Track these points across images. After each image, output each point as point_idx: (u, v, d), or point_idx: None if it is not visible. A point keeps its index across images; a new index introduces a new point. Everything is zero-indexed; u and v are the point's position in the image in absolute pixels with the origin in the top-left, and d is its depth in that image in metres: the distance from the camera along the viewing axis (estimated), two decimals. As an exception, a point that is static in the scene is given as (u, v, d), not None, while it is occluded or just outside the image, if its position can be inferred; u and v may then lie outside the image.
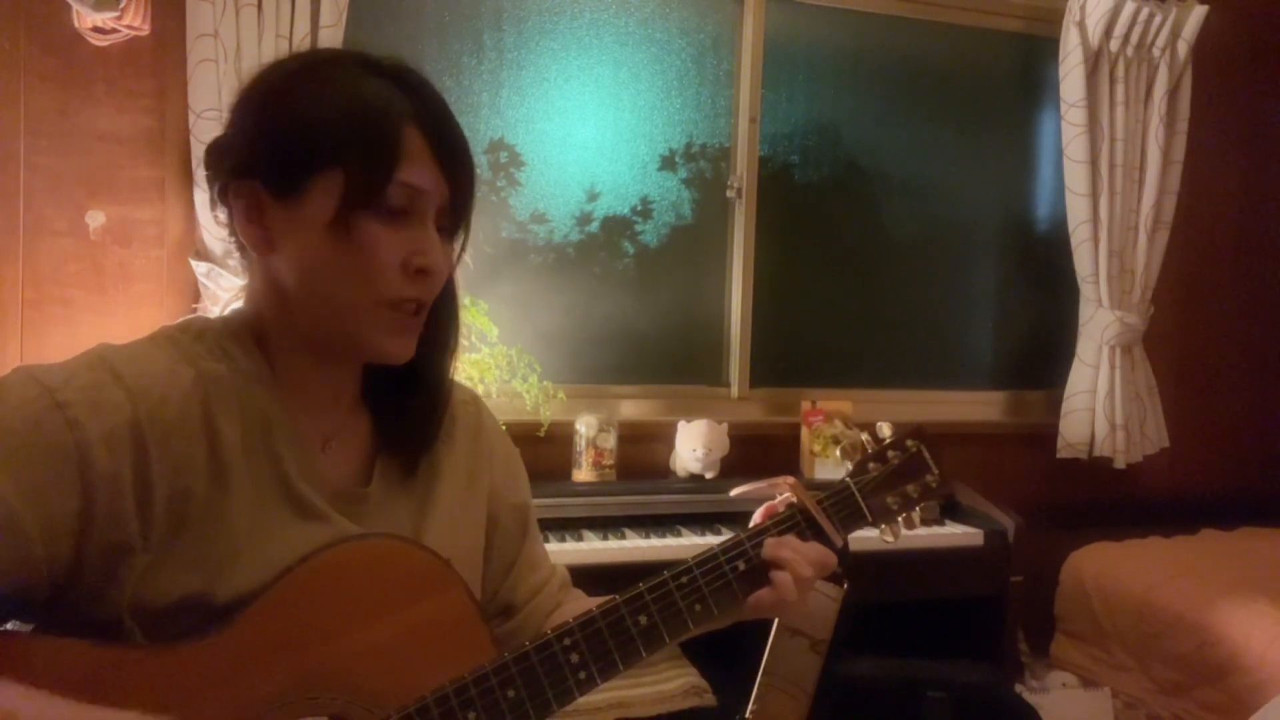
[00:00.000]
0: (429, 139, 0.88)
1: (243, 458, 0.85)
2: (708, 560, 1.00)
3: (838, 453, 1.13)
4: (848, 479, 1.11)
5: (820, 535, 1.06)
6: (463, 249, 0.97)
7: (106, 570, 0.79)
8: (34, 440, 0.76)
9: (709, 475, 2.51)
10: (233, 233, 0.92)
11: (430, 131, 0.88)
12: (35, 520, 0.75)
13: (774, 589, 1.00)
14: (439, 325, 0.97)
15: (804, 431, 2.67)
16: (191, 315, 0.95)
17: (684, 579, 0.98)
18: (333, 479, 0.92)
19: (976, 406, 3.08)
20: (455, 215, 0.93)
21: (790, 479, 1.08)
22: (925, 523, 1.15)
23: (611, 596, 0.96)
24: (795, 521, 1.05)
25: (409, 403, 0.97)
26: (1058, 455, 2.97)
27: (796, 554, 1.01)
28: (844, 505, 1.09)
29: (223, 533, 0.83)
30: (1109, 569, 2.71)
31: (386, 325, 0.90)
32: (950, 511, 2.51)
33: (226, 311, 0.96)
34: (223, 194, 0.90)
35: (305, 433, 0.91)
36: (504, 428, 1.14)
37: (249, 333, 0.91)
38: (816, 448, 2.62)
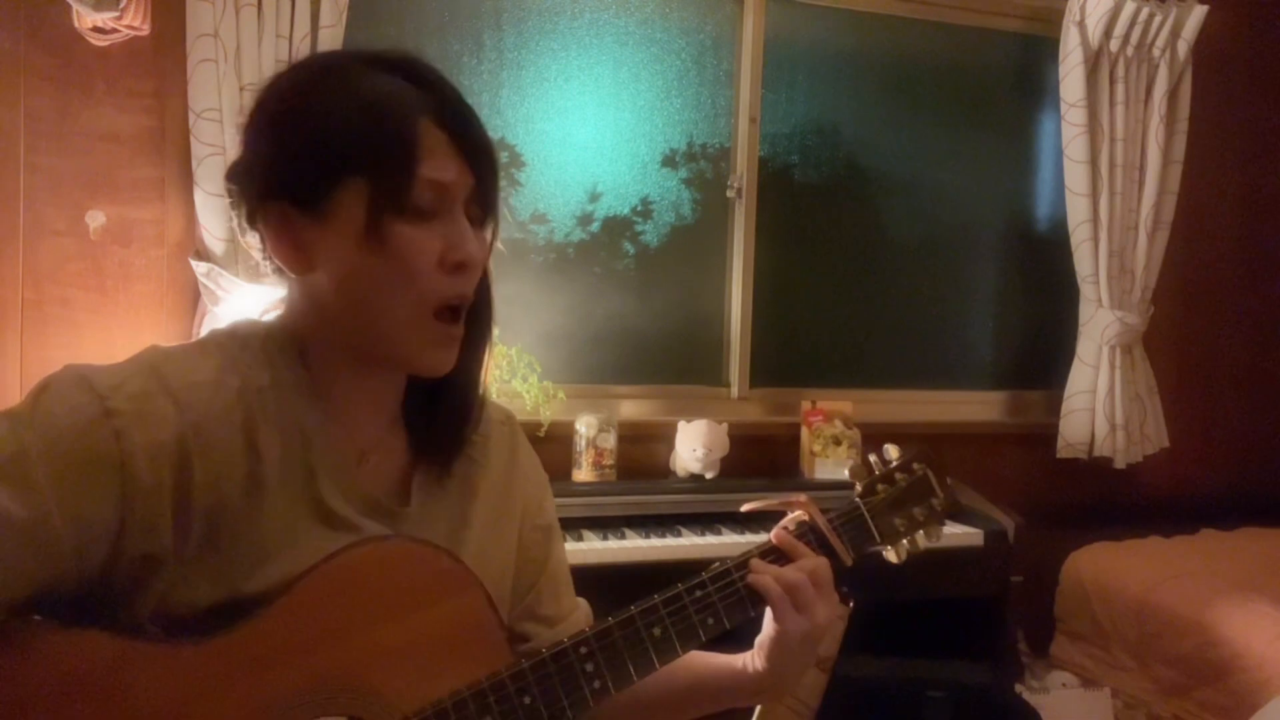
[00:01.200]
0: (447, 130, 0.87)
1: (279, 472, 0.85)
2: (721, 575, 1.01)
3: (845, 473, 1.14)
4: (858, 499, 1.11)
5: (830, 554, 1.06)
6: (494, 237, 0.96)
7: (135, 579, 0.79)
8: (79, 446, 0.76)
9: (709, 475, 2.51)
10: (267, 256, 0.90)
11: (447, 122, 0.87)
12: (69, 525, 0.75)
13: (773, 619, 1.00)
14: (471, 324, 0.96)
15: (804, 431, 2.67)
16: (238, 320, 0.95)
17: (698, 592, 0.98)
18: (368, 493, 0.92)
19: (976, 406, 3.08)
20: (483, 203, 0.92)
21: (804, 497, 1.08)
22: (930, 543, 1.16)
23: (626, 609, 0.95)
24: (807, 540, 1.06)
25: (440, 406, 0.97)
26: (1058, 455, 2.97)
27: (784, 580, 1.00)
28: (854, 526, 1.09)
29: (252, 545, 0.83)
30: (1109, 569, 2.71)
31: (429, 337, 0.89)
32: (950, 511, 2.51)
33: (269, 318, 0.95)
34: (251, 219, 0.89)
35: (342, 446, 0.90)
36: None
37: (292, 344, 0.90)
38: (816, 448, 2.62)
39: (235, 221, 0.91)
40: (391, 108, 0.85)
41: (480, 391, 1.00)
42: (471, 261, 0.89)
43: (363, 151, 0.84)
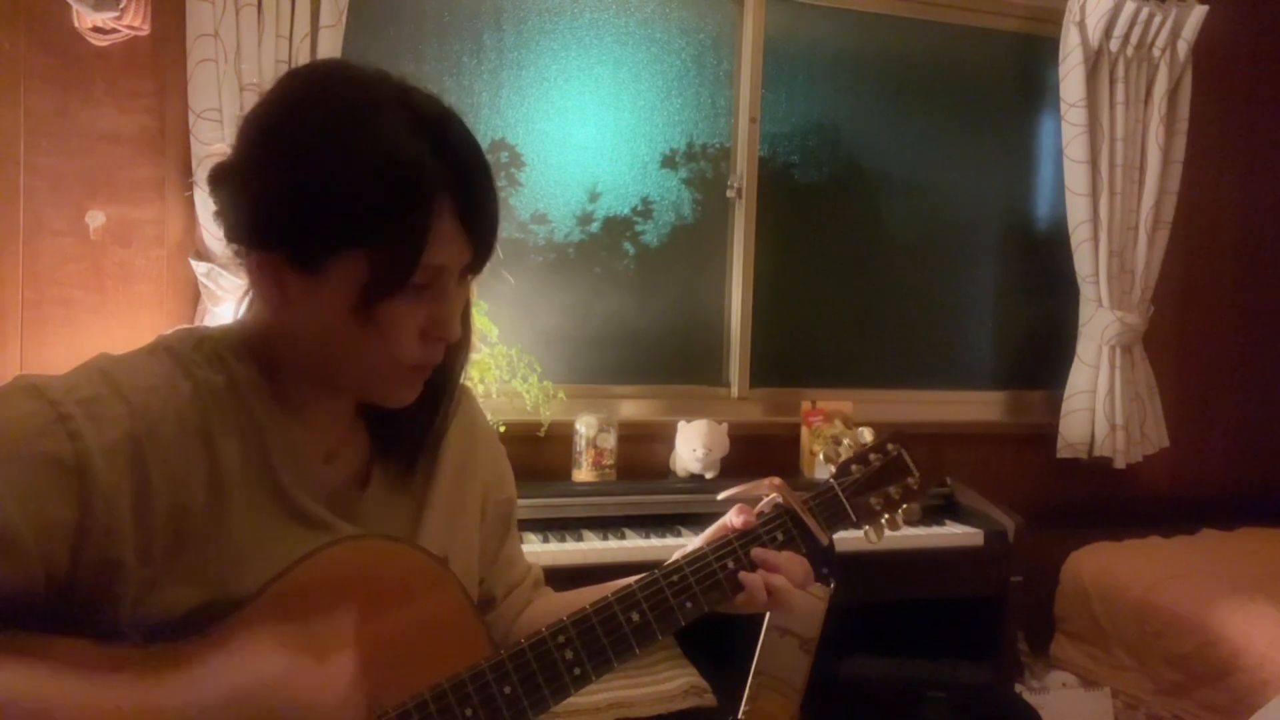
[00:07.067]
0: (461, 214, 0.85)
1: (240, 470, 0.85)
2: (698, 559, 1.03)
3: (820, 456, 1.16)
4: (832, 480, 1.14)
5: (807, 535, 1.08)
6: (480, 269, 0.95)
7: (101, 586, 0.78)
8: (35, 451, 0.76)
9: (709, 475, 2.51)
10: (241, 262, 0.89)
11: (462, 206, 0.85)
12: (33, 530, 0.75)
13: (751, 597, 1.03)
14: (451, 346, 0.95)
15: (804, 431, 2.67)
16: (189, 326, 0.94)
17: (675, 577, 1.01)
18: (331, 486, 0.93)
19: (976, 406, 3.08)
20: (477, 268, 0.91)
21: (776, 480, 1.10)
22: (909, 524, 1.18)
23: (604, 597, 0.97)
24: (782, 522, 1.08)
25: (412, 414, 0.97)
26: (1058, 455, 2.97)
27: (778, 569, 1.04)
28: (828, 505, 1.11)
29: (223, 546, 0.83)
30: (1109, 569, 2.71)
31: (395, 383, 0.90)
32: (950, 511, 2.51)
33: (228, 322, 0.95)
34: (238, 252, 0.87)
35: (303, 444, 0.91)
36: (502, 428, 1.15)
37: (247, 349, 0.90)
38: (816, 448, 2.62)
39: (210, 216, 0.90)
40: (411, 188, 0.82)
41: (455, 403, 1.01)
42: (451, 338, 0.89)
43: (372, 229, 0.81)
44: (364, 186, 0.81)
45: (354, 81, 0.86)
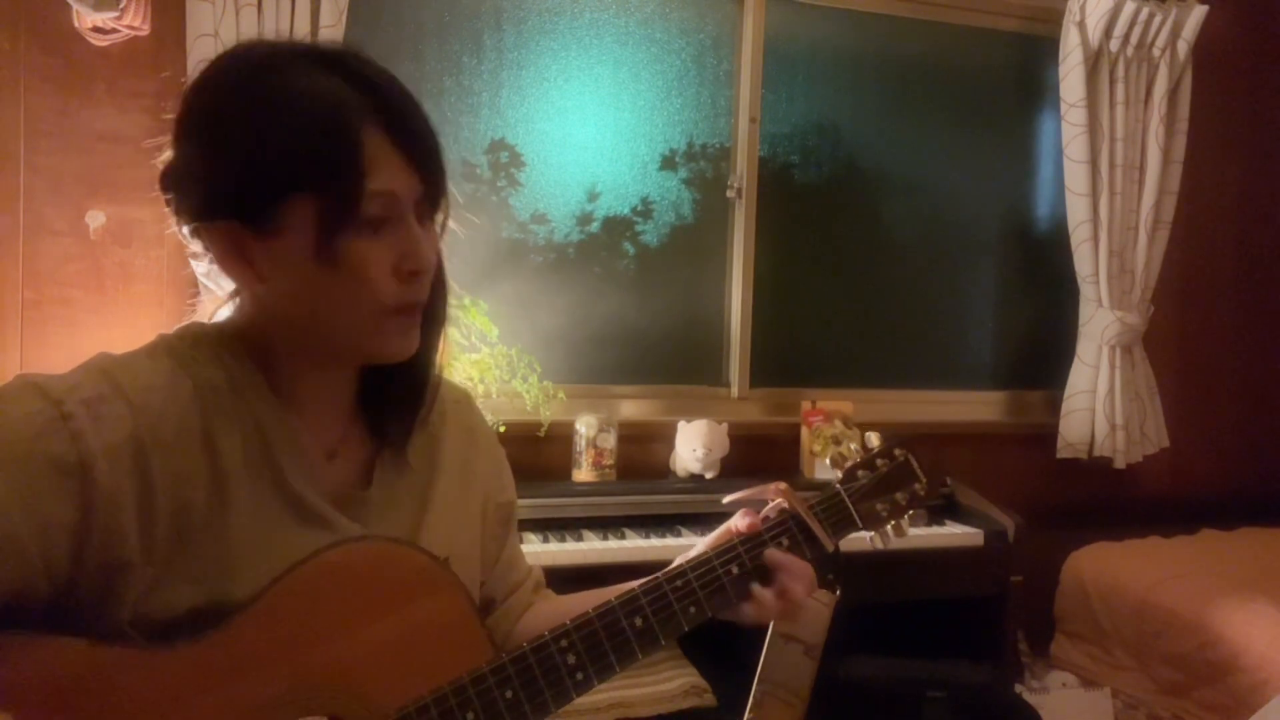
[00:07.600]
0: (392, 136, 0.85)
1: (242, 468, 0.85)
2: (702, 564, 1.02)
3: (828, 461, 1.16)
4: (838, 485, 1.13)
5: (812, 540, 1.07)
6: (444, 221, 0.95)
7: (105, 586, 0.78)
8: (36, 451, 0.76)
9: (709, 475, 2.51)
10: (213, 261, 0.89)
11: (391, 127, 0.85)
12: (32, 531, 0.75)
13: (756, 603, 1.02)
14: (426, 308, 0.94)
15: (804, 431, 2.67)
16: (188, 322, 0.94)
17: (678, 581, 1.00)
18: (334, 484, 0.93)
19: (976, 406, 3.08)
20: (433, 199, 0.90)
21: (783, 485, 1.10)
22: (914, 529, 1.18)
23: (606, 601, 0.96)
24: (788, 527, 1.07)
25: (393, 390, 0.97)
26: (1058, 455, 2.97)
27: (790, 573, 1.03)
28: (835, 511, 1.11)
29: (225, 544, 0.83)
30: (1109, 569, 2.71)
31: (389, 330, 0.89)
32: (950, 511, 2.51)
33: (219, 318, 0.95)
34: (195, 232, 0.88)
35: (304, 442, 0.91)
36: (502, 428, 1.15)
37: (241, 343, 0.90)
38: (816, 448, 2.62)
39: (174, 227, 0.89)
40: (333, 118, 0.82)
41: (434, 374, 1.00)
42: (425, 269, 0.88)
43: (307, 168, 0.82)
44: (286, 129, 0.82)
45: (255, 46, 0.88)
